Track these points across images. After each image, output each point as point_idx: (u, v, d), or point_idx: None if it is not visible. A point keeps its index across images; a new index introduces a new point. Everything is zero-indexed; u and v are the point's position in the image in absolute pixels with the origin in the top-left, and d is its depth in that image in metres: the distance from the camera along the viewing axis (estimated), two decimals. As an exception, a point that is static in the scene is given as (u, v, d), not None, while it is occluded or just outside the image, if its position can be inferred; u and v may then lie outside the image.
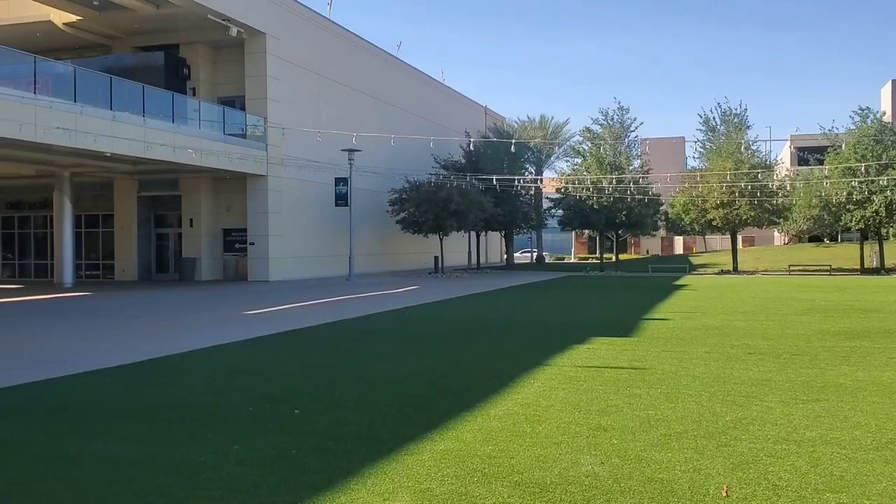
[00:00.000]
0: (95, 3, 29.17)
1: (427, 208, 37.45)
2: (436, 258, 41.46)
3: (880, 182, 37.71)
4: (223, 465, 5.50)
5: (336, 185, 34.65)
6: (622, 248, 63.23)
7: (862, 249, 42.63)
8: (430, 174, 41.35)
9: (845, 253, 47.44)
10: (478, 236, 48.09)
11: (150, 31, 32.47)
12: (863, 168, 37.67)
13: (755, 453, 5.78)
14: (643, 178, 45.62)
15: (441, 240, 40.78)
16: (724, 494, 4.89)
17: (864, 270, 40.80)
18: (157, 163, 27.82)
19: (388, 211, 38.84)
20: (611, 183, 41.78)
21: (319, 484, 5.06)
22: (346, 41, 39.37)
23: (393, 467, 5.43)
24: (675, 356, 10.72)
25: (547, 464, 5.52)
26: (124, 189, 34.61)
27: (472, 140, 37.71)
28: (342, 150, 32.46)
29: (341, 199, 34.54)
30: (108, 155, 24.91)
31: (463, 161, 45.18)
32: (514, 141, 35.65)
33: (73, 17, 30.92)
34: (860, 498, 4.79)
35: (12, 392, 8.38)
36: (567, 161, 51.67)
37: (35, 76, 23.37)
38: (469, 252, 49.64)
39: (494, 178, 36.65)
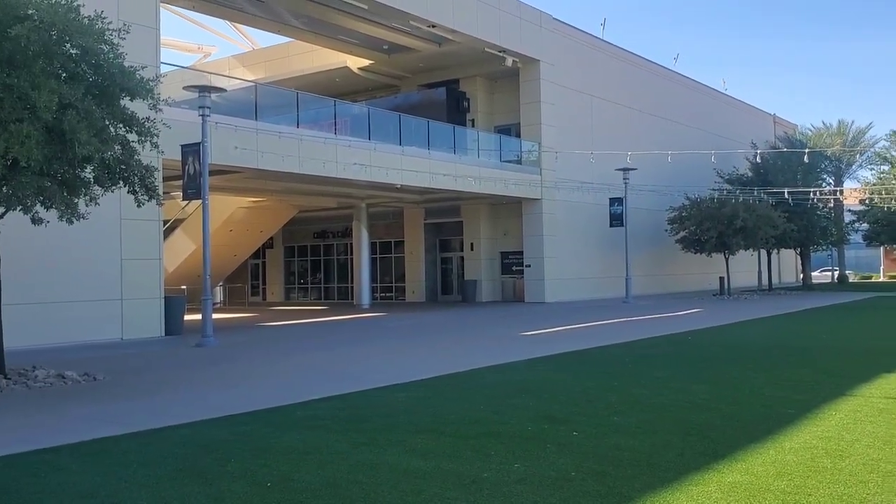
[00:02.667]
0: (385, 47, 32.14)
1: (709, 226, 35.55)
2: (721, 279, 39.12)
3: None
4: (505, 482, 5.63)
5: (611, 206, 34.32)
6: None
7: None
8: (713, 189, 39.32)
9: None
10: (769, 254, 44.61)
11: (433, 69, 34.97)
12: None
13: None
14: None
15: (726, 259, 38.43)
16: None
17: None
18: (440, 191, 29.74)
19: (666, 230, 37.53)
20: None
21: (599, 509, 4.99)
22: (619, 59, 39.06)
23: (676, 497, 5.18)
24: None
25: (850, 503, 4.91)
26: (412, 217, 37.39)
27: (759, 151, 35.23)
28: (616, 169, 32.14)
29: (616, 220, 34.11)
30: (399, 186, 27.18)
31: (750, 174, 42.39)
32: (807, 150, 32.75)
33: (366, 62, 34.37)
34: None
35: (320, 403, 9.35)
36: (872, 169, 46.25)
37: (335, 118, 26.23)
38: (759, 272, 46.22)
39: (786, 190, 33.75)
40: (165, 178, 19.08)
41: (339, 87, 36.04)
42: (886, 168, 42.79)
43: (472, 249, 35.65)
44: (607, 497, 5.23)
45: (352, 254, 36.60)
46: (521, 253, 34.05)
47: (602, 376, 11.10)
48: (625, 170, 32.03)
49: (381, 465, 6.19)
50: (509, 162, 32.44)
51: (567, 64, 34.63)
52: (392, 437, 7.26)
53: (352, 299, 36.36)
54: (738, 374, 11.01)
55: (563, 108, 34.29)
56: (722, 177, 41.46)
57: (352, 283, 37.37)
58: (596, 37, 37.72)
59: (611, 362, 12.91)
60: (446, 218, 36.76)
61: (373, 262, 36.72)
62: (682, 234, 36.97)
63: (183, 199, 24.11)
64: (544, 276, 32.97)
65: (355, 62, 34.53)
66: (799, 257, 50.30)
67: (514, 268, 35.00)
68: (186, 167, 17.74)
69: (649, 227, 38.46)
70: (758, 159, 40.35)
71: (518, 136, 33.63)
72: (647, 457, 6.29)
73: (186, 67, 32.26)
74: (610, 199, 34.17)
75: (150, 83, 11.20)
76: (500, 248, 35.65)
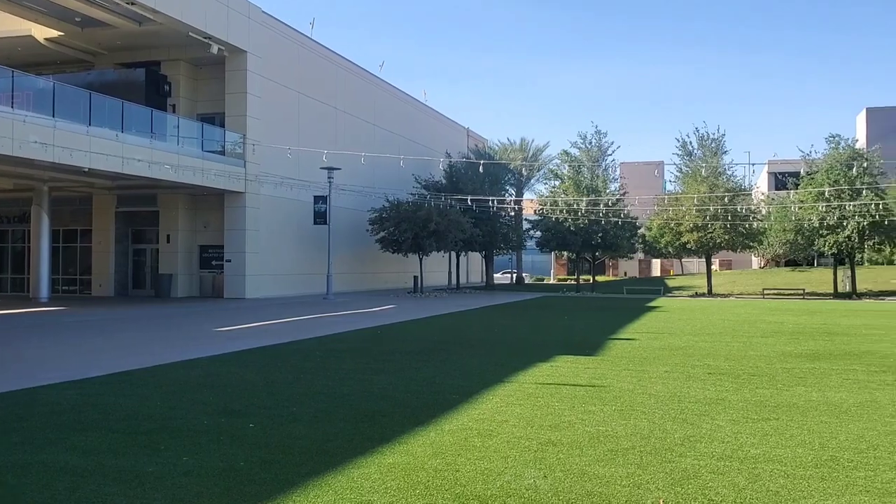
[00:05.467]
0: (77, 19, 29.29)
1: (406, 227, 37.61)
2: (415, 278, 41.58)
3: (852, 207, 38.38)
4: (170, 475, 5.57)
5: (315, 203, 34.75)
6: (600, 270, 63.72)
7: (835, 274, 43.24)
8: (411, 194, 41.61)
9: (820, 277, 48.05)
10: (458, 256, 48.30)
11: (133, 48, 32.61)
12: (832, 193, 38.34)
13: (697, 469, 5.91)
14: (619, 200, 46.23)
15: (420, 259, 40.92)
16: (660, 508, 5.03)
17: (837, 295, 41.33)
18: (135, 178, 27.84)
19: (367, 230, 38.96)
20: (587, 205, 42.25)
21: (262, 495, 5.15)
22: (327, 60, 39.65)
23: (338, 480, 5.51)
24: (634, 375, 10.89)
25: (491, 477, 5.63)
26: (103, 204, 34.54)
27: (451, 160, 37.92)
28: (321, 167, 32.62)
29: (320, 218, 34.63)
30: (86, 170, 24.92)
31: (444, 181, 45.50)
32: (493, 162, 36.04)
33: (54, 33, 31.01)
34: (792, 512, 4.94)
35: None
36: (546, 183, 52.23)
37: (13, 90, 23.41)
38: (449, 272, 49.81)
39: (469, 198, 36.96)
40: None
41: (22, 58, 32.15)
42: (557, 183, 48.47)
43: (168, 242, 33.84)
44: (272, 483, 5.42)
45: (30, 241, 32.81)
46: (221, 247, 33.06)
47: (290, 370, 11.28)
48: (329, 169, 32.62)
49: (35, 465, 5.77)
50: (212, 152, 31.30)
51: (276, 58, 34.37)
52: (52, 435, 6.79)
53: (28, 292, 32.60)
54: (416, 365, 11.87)
55: (271, 102, 33.98)
56: (419, 182, 44.00)
57: (28, 273, 33.49)
58: (306, 35, 37.93)
59: (302, 357, 13.14)
60: (141, 207, 34.49)
61: (55, 251, 33.40)
62: (381, 234, 38.61)
63: None
64: (245, 271, 32.38)
65: (42, 32, 30.94)
66: (484, 260, 55.11)
67: (213, 262, 33.88)
68: None
69: (352, 226, 39.59)
70: (450, 168, 43.46)
71: (223, 126, 32.61)
72: (319, 444, 6.59)
73: None
74: (314, 196, 34.58)
75: None
76: (200, 242, 34.31)
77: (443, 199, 40.37)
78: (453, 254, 47.43)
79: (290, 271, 35.68)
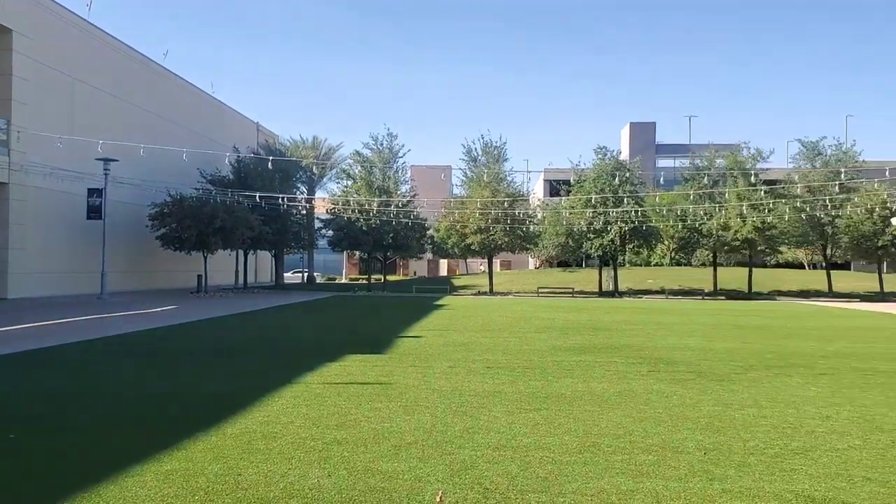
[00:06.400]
0: None
1: (190, 224, 35.98)
2: (199, 277, 39.82)
3: (615, 214, 42.26)
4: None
5: (89, 197, 32.20)
6: (391, 269, 64.85)
7: (601, 274, 47.35)
8: (196, 189, 39.84)
9: (588, 277, 52.35)
10: (245, 255, 46.91)
11: None
12: (598, 200, 42.02)
13: (474, 460, 6.28)
14: (410, 202, 47.40)
15: (205, 258, 39.27)
16: (439, 500, 5.27)
17: (602, 293, 45.30)
18: None
19: (147, 226, 36.76)
20: (379, 206, 42.88)
21: (23, 512, 4.79)
22: (107, 45, 36.90)
23: (109, 490, 5.25)
24: (419, 371, 11.29)
25: (274, 479, 5.63)
26: None
27: (240, 155, 36.78)
28: (97, 159, 30.27)
29: (94, 212, 32.13)
30: None
31: (231, 177, 44.02)
32: (283, 158, 35.46)
33: None
34: (557, 496, 5.38)
35: None
36: (338, 183, 52.23)
37: None
38: (237, 271, 48.25)
39: (258, 195, 36.14)
40: None
41: None
42: (349, 183, 48.66)
43: None
44: (39, 499, 5.06)
45: None
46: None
47: (57, 376, 10.43)
48: (106, 160, 30.38)
49: None
50: (-32, 138, 28.06)
51: (47, 39, 31.45)
52: None
53: None
54: (199, 368, 11.44)
55: (42, 86, 31.07)
56: (205, 177, 42.28)
57: None
58: (83, 18, 35.03)
59: (71, 361, 12.16)
60: None
61: None
62: (163, 230, 36.62)
63: None
64: (8, 268, 29.40)
65: None
66: (274, 259, 54.01)
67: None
68: None
69: (131, 222, 37.18)
70: (239, 163, 42.14)
71: (-18, 109, 29.30)
72: (89, 454, 6.21)
73: None
74: (88, 189, 32.08)
75: None
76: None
77: (230, 195, 39.08)
78: (241, 252, 46.04)
79: (62, 269, 32.81)
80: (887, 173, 36.62)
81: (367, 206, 42.93)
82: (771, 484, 5.74)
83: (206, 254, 38.77)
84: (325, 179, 58.65)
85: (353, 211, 43.92)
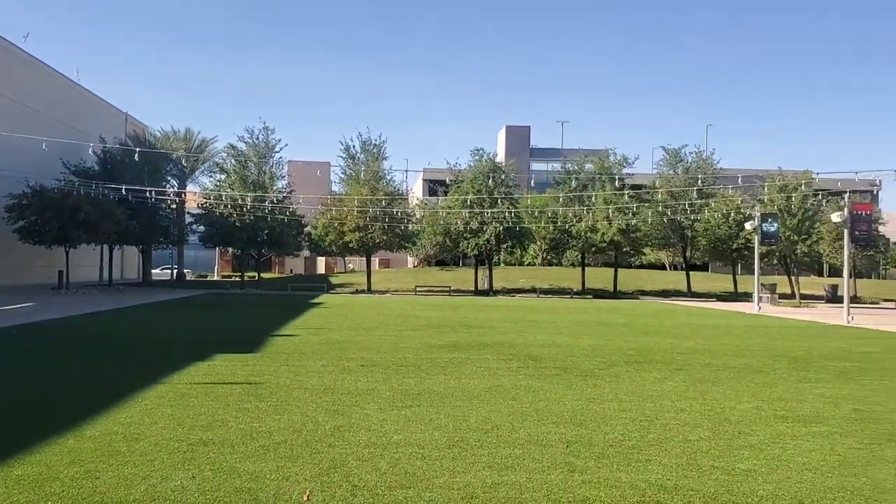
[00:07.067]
0: None
1: (51, 216, 33.96)
2: (60, 272, 37.57)
3: (490, 214, 43.23)
4: None
5: (-69, 185, 29.74)
6: (266, 266, 63.45)
7: (476, 273, 48.27)
8: (58, 180, 37.61)
9: (464, 276, 53.22)
10: (111, 250, 44.60)
11: None
12: (474, 200, 42.87)
13: (344, 458, 6.30)
14: (286, 198, 46.58)
15: (67, 252, 37.09)
16: (306, 498, 5.25)
17: (478, 292, 46.19)
18: None
19: (3, 218, 34.42)
20: (254, 201, 41.88)
21: None
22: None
23: (-49, 500, 4.93)
24: (292, 370, 11.17)
25: (135, 482, 5.45)
26: None
27: (106, 146, 35.02)
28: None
29: (-63, 202, 29.70)
30: None
31: (97, 168, 41.77)
32: (152, 150, 34.05)
33: None
34: (424, 491, 5.48)
35: None
36: (212, 177, 50.57)
37: None
38: (101, 267, 45.80)
39: (125, 187, 34.54)
40: None
41: None
42: (223, 177, 47.24)
43: None
44: None
45: None
46: None
47: None
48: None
49: None
50: None
51: None
52: None
53: None
54: (57, 369, 10.84)
55: None
56: (69, 168, 40.01)
57: None
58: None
59: None
60: None
61: None
62: (21, 223, 34.48)
63: None
64: None
65: None
66: (141, 254, 51.67)
67: None
68: None
69: (-17, 213, 34.64)
70: (105, 154, 40.09)
71: None
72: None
73: None
74: (-71, 177, 29.59)
75: None
76: None
77: (94, 187, 37.10)
78: (106, 247, 43.77)
79: None
80: (739, 180, 39.32)
81: (240, 201, 41.82)
82: (627, 474, 6.08)
83: (69, 248, 36.67)
84: (197, 173, 56.74)
85: (226, 206, 42.66)
